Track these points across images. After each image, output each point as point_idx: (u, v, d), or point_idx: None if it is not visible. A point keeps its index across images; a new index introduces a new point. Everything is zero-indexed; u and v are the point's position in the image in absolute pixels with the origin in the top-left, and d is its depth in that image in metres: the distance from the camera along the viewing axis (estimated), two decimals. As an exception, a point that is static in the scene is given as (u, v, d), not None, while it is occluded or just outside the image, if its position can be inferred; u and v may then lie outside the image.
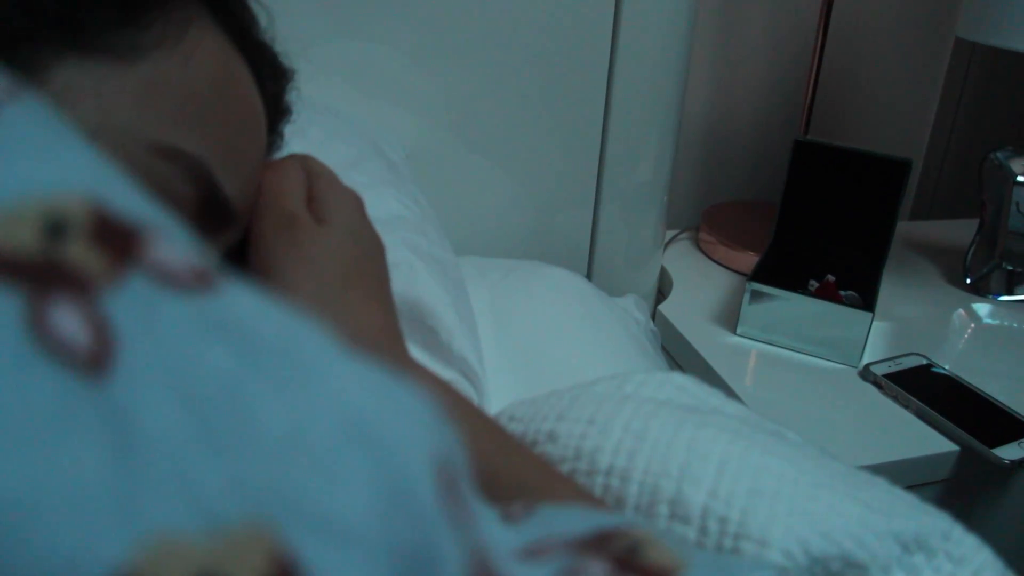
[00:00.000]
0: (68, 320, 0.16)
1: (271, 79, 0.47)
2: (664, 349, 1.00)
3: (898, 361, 0.91)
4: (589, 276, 0.98)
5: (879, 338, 0.98)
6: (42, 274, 0.16)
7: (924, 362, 0.91)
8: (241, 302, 0.19)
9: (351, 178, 0.61)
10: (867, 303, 0.94)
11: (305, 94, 0.75)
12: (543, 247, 0.94)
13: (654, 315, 1.02)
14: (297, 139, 0.64)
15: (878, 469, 0.80)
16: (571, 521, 0.25)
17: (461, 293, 0.60)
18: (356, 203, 0.46)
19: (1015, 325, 1.05)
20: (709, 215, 1.20)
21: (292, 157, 0.46)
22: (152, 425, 0.16)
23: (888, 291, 1.10)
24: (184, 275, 0.19)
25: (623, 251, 0.99)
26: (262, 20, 0.48)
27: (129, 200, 0.20)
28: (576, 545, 0.23)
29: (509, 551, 0.22)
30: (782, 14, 1.25)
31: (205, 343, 0.18)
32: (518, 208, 0.92)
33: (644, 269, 1.01)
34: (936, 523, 0.39)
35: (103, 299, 0.17)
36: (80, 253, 0.17)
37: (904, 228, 1.33)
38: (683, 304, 1.01)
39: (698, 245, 1.17)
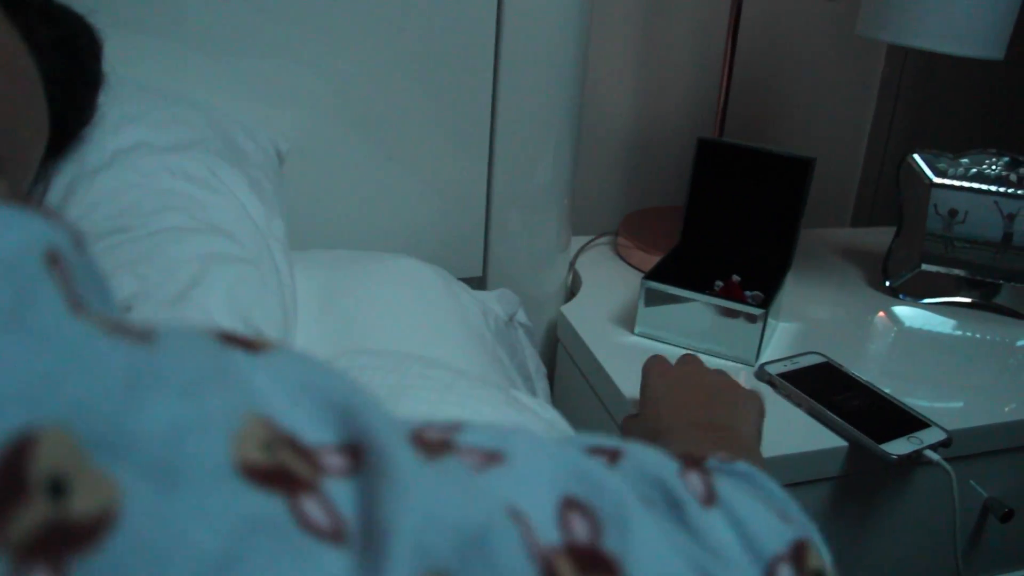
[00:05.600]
0: None
1: (45, 24, 0.47)
2: (565, 349, 0.99)
3: (795, 360, 0.90)
4: (484, 276, 0.97)
5: (790, 340, 0.96)
6: None
7: (821, 360, 0.90)
8: None
9: (174, 159, 0.62)
10: (768, 303, 0.93)
11: (179, 89, 0.76)
12: (437, 246, 0.93)
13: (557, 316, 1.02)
14: (136, 123, 0.64)
15: (768, 463, 0.78)
16: None
17: (268, 278, 0.59)
18: None
19: (932, 328, 1.03)
20: (628, 220, 1.19)
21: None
22: None
23: (806, 294, 1.09)
24: None
25: (524, 253, 0.98)
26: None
27: None
28: None
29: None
30: (706, 24, 1.26)
31: None
32: (409, 206, 0.92)
33: (547, 271, 1.01)
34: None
35: None
36: None
37: (829, 234, 1.32)
38: (588, 305, 1.00)
39: (616, 250, 1.16)
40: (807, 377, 0.87)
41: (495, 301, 0.86)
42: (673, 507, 0.29)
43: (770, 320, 0.95)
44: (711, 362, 0.90)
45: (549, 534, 0.23)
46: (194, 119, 0.68)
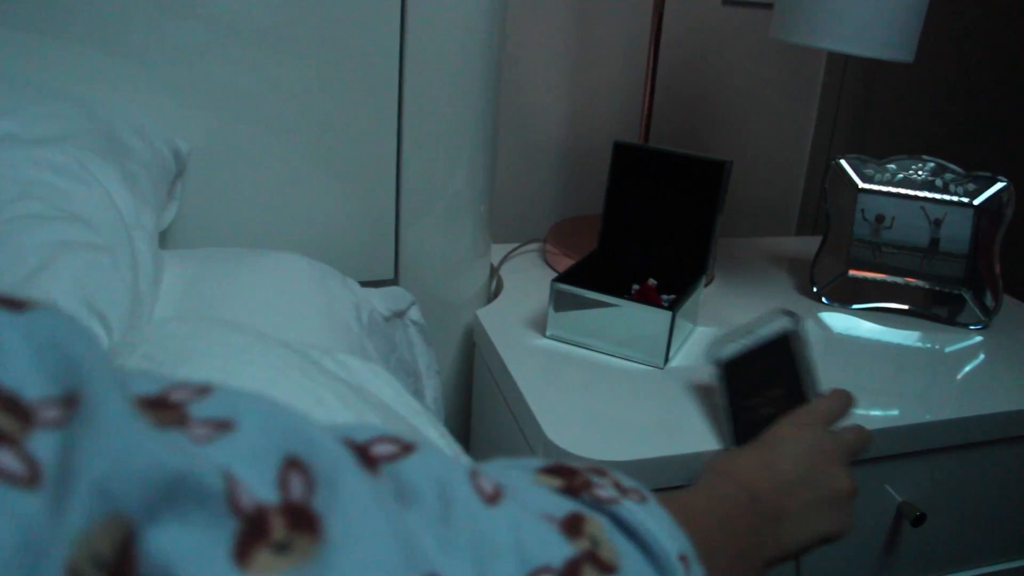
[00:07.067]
0: None
1: None
2: (480, 352, 0.98)
3: (756, 331, 0.81)
4: (396, 279, 0.97)
5: (707, 344, 0.95)
6: None
7: (786, 330, 0.81)
8: None
9: (41, 151, 0.62)
10: (676, 304, 0.92)
11: (76, 88, 0.76)
12: (345, 248, 0.93)
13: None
14: (6, 117, 0.65)
15: (668, 463, 0.77)
16: None
17: (121, 266, 0.59)
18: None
19: (857, 333, 1.02)
20: (557, 228, 1.19)
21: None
22: None
23: (730, 300, 1.08)
24: None
25: (438, 258, 0.98)
26: None
27: None
28: None
29: None
30: (637, 35, 1.26)
31: None
32: (317, 208, 0.91)
33: (464, 276, 1.00)
34: None
35: None
36: None
37: (767, 242, 1.32)
38: (505, 310, 0.99)
39: (544, 257, 1.16)
40: (749, 364, 0.79)
41: (379, 297, 0.86)
42: (442, 501, 0.29)
43: (685, 323, 0.94)
44: (622, 365, 0.89)
45: (268, 493, 0.24)
46: (72, 114, 0.68)
